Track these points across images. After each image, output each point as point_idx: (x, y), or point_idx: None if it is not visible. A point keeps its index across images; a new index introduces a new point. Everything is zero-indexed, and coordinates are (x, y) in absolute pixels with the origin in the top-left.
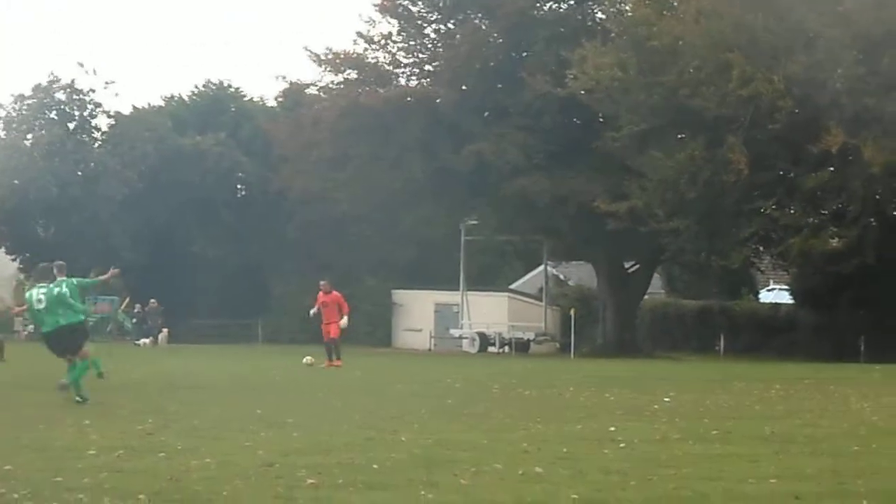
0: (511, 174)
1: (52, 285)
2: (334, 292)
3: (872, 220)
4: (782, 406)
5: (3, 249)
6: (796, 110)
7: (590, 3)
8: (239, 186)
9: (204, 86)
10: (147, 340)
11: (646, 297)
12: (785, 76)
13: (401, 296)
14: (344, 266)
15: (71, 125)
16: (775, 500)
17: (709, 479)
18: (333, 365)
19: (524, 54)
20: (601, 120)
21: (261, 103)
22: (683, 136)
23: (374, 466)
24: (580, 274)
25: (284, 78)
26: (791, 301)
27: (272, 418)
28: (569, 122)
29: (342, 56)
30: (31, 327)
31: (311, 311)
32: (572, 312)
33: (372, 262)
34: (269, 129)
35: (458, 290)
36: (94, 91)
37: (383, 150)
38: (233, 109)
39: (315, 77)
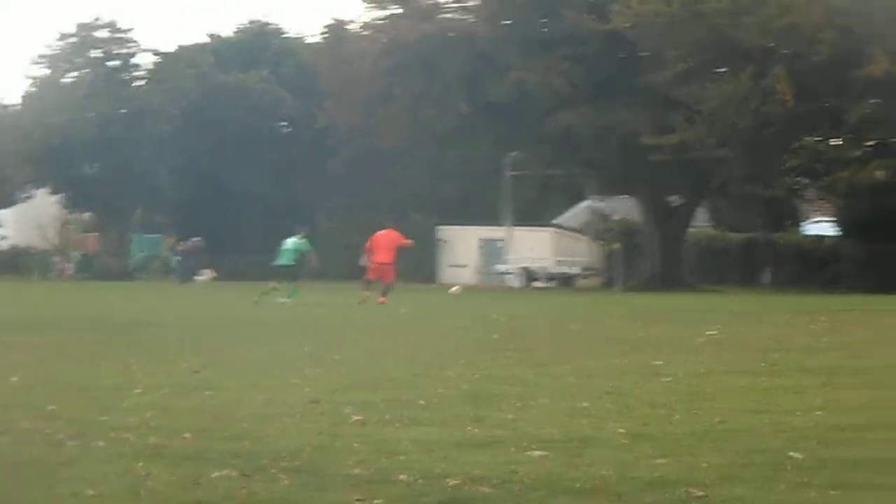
0: (554, 106)
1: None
2: (388, 231)
3: None
4: (828, 338)
5: (47, 189)
6: (838, 41)
7: None
8: (282, 123)
9: (247, 23)
10: (203, 277)
11: (690, 230)
12: (826, 6)
13: (445, 232)
14: (388, 202)
15: (113, 64)
16: (821, 432)
17: (754, 412)
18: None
19: None
20: (645, 54)
21: (303, 40)
22: (727, 69)
23: (421, 402)
24: (625, 208)
25: (327, 14)
26: (836, 233)
27: (318, 355)
28: (612, 55)
29: None
30: (72, 265)
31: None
32: (617, 246)
33: (416, 198)
34: (314, 62)
35: (502, 225)
36: (134, 29)
37: (426, 86)
38: (275, 46)
39: (358, 13)
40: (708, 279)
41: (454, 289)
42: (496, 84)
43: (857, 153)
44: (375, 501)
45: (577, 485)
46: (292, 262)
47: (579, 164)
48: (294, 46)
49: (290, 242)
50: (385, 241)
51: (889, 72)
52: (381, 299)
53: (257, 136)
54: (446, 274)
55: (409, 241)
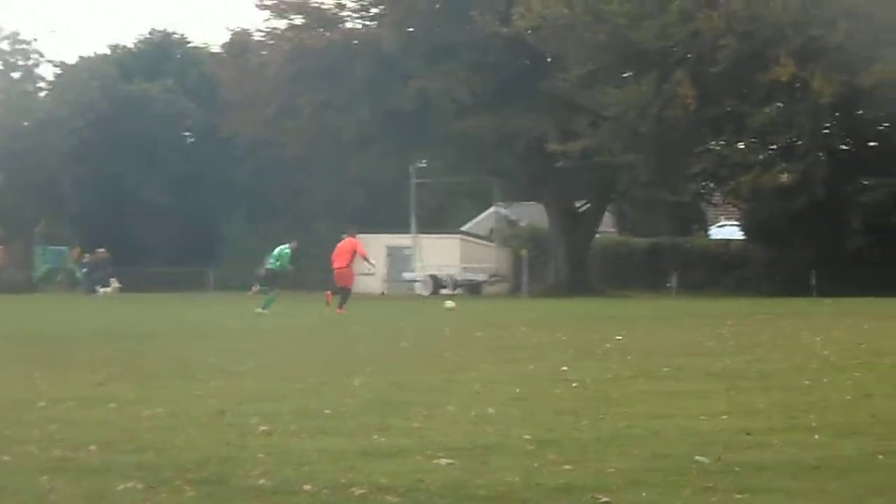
0: (458, 113)
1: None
2: (347, 239)
3: (821, 154)
4: (734, 342)
5: None
6: (740, 47)
7: None
8: (187, 133)
9: (150, 33)
10: (108, 289)
11: (597, 235)
12: (727, 13)
13: None
14: (295, 211)
15: (15, 75)
16: (726, 436)
17: (660, 417)
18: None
19: None
20: (548, 60)
21: (207, 49)
22: (631, 73)
23: (327, 412)
24: (531, 214)
25: (228, 28)
26: (742, 237)
27: (224, 366)
28: (515, 61)
29: (287, 1)
30: None
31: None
32: (524, 253)
33: (322, 207)
34: (217, 73)
35: (409, 233)
36: (37, 40)
37: (331, 95)
38: (178, 56)
39: (260, 23)
40: (614, 284)
41: (448, 303)
42: (400, 92)
43: (762, 157)
44: None
45: (483, 492)
46: (275, 268)
47: (485, 171)
48: (198, 56)
49: (277, 250)
50: (341, 249)
51: (794, 75)
52: (339, 310)
53: (162, 146)
54: (354, 282)
55: (364, 251)
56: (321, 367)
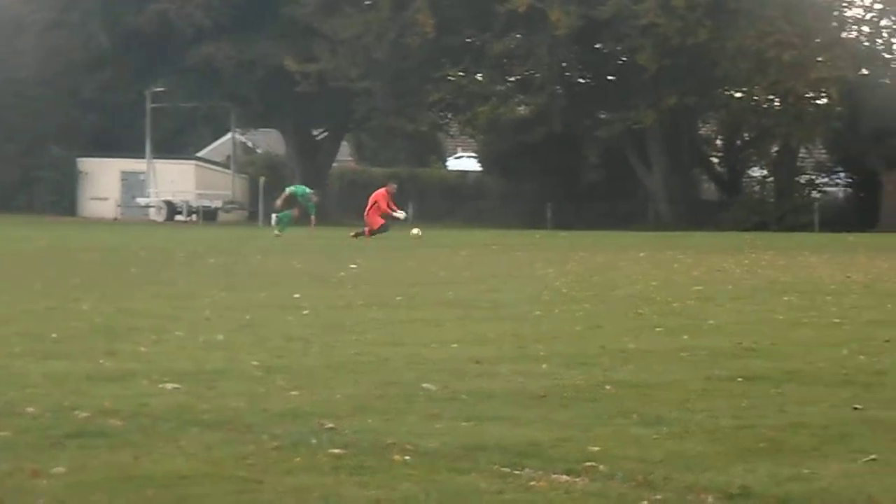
0: (196, 38)
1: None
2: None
3: (559, 88)
4: (468, 272)
5: None
6: None
7: None
8: None
9: None
10: None
11: (334, 164)
12: None
13: (86, 164)
14: (27, 134)
15: None
16: (455, 364)
17: (391, 345)
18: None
19: None
20: None
21: None
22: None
23: (54, 335)
24: (269, 141)
25: None
26: (479, 169)
27: None
28: None
29: None
30: None
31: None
32: (261, 181)
33: (56, 130)
34: None
35: (144, 157)
36: None
37: (64, 14)
38: None
39: None
40: (352, 214)
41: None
42: (137, 13)
43: (500, 88)
44: (1, 434)
45: (208, 416)
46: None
47: (223, 97)
48: None
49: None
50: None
51: (532, 6)
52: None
53: None
54: (87, 207)
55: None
56: (49, 292)
